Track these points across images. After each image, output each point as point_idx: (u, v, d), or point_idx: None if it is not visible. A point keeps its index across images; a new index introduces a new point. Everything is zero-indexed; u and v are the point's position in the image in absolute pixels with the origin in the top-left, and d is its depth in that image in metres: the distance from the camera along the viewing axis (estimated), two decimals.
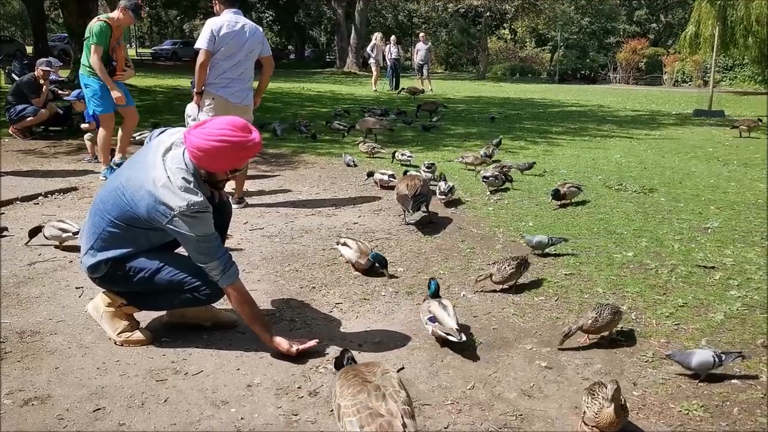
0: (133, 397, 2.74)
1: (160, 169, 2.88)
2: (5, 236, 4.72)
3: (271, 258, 4.49)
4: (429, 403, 2.78)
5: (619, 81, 34.21)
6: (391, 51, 22.00)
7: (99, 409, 2.64)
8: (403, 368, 3.06)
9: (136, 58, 45.14)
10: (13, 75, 10.41)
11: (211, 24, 5.42)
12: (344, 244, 4.26)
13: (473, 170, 7.12)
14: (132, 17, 6.49)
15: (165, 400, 2.73)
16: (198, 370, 2.98)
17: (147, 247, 3.03)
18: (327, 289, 3.97)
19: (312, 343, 3.08)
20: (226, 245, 4.35)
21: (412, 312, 3.66)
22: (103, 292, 3.20)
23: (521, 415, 2.69)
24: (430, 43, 22.84)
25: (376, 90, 20.48)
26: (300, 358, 3.04)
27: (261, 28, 5.65)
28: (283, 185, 6.84)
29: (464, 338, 3.16)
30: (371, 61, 21.78)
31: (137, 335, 3.18)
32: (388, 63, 22.37)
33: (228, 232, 4.96)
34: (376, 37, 22.11)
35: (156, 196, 2.84)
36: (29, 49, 38.30)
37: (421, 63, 22.29)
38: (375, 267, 4.15)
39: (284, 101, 16.32)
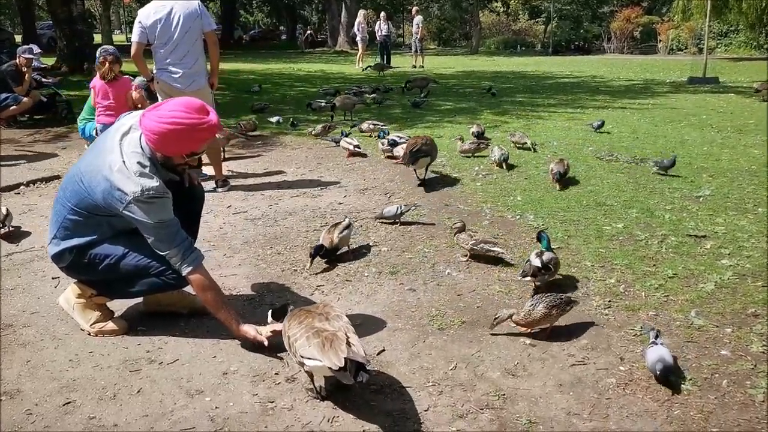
0: (105, 388, 2.66)
1: (116, 153, 2.78)
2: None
3: (253, 241, 4.40)
4: (409, 385, 2.70)
5: (614, 51, 33.85)
6: (381, 28, 21.77)
7: (69, 402, 2.56)
8: (383, 350, 2.98)
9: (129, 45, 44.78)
10: None
11: (139, 16, 5.41)
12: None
13: (469, 157, 6.89)
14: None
15: (138, 391, 2.65)
16: (173, 359, 2.90)
17: (110, 233, 2.93)
18: (309, 271, 3.88)
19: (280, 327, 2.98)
20: (206, 229, 4.30)
21: (395, 292, 3.57)
22: (74, 283, 3.12)
23: (504, 394, 2.62)
24: (420, 17, 22.57)
25: (363, 68, 20.23)
26: (268, 348, 2.90)
27: (198, 3, 5.39)
28: (268, 167, 6.73)
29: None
30: (358, 38, 21.57)
31: (110, 325, 3.09)
32: (378, 40, 22.15)
33: (212, 216, 4.92)
34: (361, 14, 21.88)
35: (111, 181, 2.75)
36: (18, 38, 37.94)
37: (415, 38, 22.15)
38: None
39: (274, 82, 16.14)
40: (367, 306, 3.42)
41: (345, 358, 2.35)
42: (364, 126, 8.44)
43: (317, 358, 2.40)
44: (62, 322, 3.21)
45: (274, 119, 9.30)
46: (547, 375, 2.77)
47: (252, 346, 2.93)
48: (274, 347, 2.87)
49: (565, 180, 5.67)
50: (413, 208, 4.83)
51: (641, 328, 3.09)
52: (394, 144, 6.61)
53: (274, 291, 3.62)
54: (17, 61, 9.08)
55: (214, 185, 5.76)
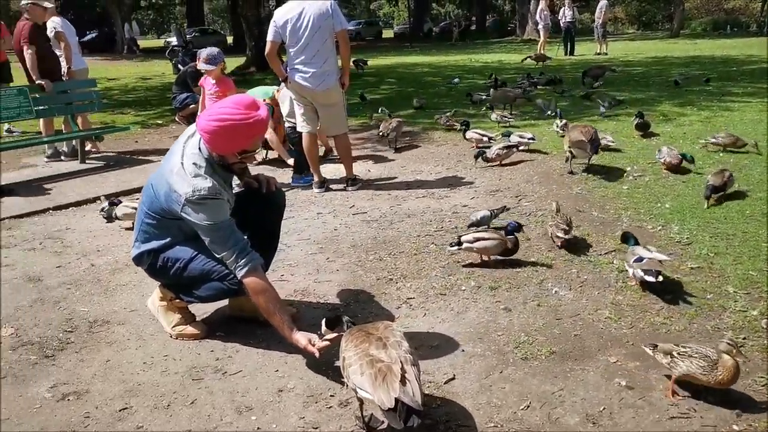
0: (163, 396, 2.66)
1: (178, 156, 2.80)
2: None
3: (360, 245, 4.27)
4: (468, 424, 2.40)
5: None
6: (566, 14, 20.71)
7: (126, 408, 2.59)
8: (453, 378, 2.70)
9: None
10: (179, 66, 11.12)
11: (274, 16, 5.44)
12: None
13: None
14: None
15: (192, 402, 2.62)
16: (237, 370, 2.85)
17: (182, 237, 2.94)
18: (404, 281, 3.67)
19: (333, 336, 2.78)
20: (321, 230, 4.26)
21: (487, 311, 3.25)
22: (158, 287, 3.18)
23: None
24: (605, 1, 21.12)
25: (522, 59, 19.29)
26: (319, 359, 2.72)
27: (331, 3, 5.28)
28: (405, 165, 6.58)
29: (660, 279, 3.22)
30: (540, 26, 20.70)
31: (190, 329, 3.12)
32: (562, 27, 21.12)
33: (331, 216, 4.88)
34: (542, 0, 20.96)
35: (170, 183, 2.76)
36: (230, 40, 41.51)
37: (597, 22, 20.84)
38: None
39: (445, 75, 15.95)
40: (451, 325, 3.14)
41: (396, 398, 2.12)
42: (493, 116, 8.27)
43: (368, 391, 2.20)
44: (153, 323, 3.29)
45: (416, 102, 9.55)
46: (637, 427, 2.33)
47: (312, 359, 2.79)
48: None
49: (722, 196, 4.72)
50: (504, 211, 4.47)
51: None
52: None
53: (361, 301, 3.46)
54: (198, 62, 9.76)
55: (344, 184, 5.73)
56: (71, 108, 7.45)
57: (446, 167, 6.36)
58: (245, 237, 2.83)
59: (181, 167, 2.76)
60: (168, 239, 2.94)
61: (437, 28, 51.49)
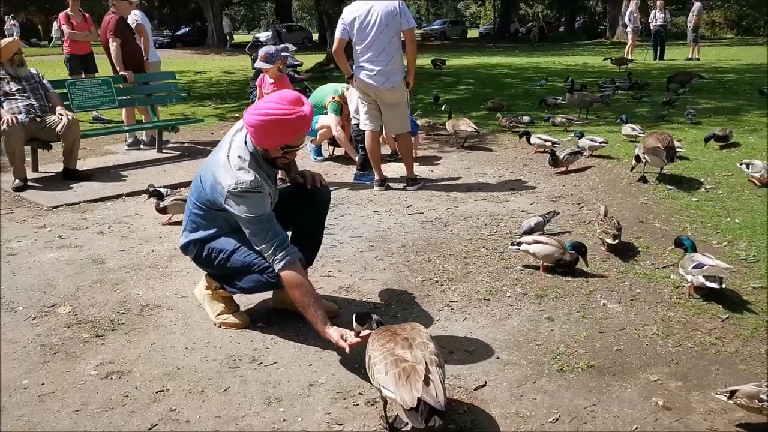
0: (199, 382, 2.74)
1: (224, 149, 2.89)
2: None
3: (411, 245, 4.26)
4: None
5: None
6: (657, 16, 19.96)
7: (162, 390, 2.68)
8: (484, 385, 2.66)
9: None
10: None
11: (343, 13, 5.48)
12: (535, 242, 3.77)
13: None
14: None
15: (225, 390, 2.68)
16: (273, 361, 2.90)
17: (227, 229, 3.01)
18: (450, 284, 3.64)
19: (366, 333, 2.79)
20: (375, 228, 4.30)
21: (530, 319, 3.19)
22: (204, 276, 3.28)
23: None
24: (699, 4, 20.20)
25: (603, 59, 18.66)
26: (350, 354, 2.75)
27: (399, 2, 5.26)
28: (470, 166, 6.51)
29: (723, 286, 3.20)
30: (628, 28, 20.04)
31: (232, 318, 3.20)
32: (652, 30, 20.38)
33: (387, 215, 4.90)
34: (633, 2, 20.27)
35: (216, 176, 2.84)
36: (315, 36, 42.26)
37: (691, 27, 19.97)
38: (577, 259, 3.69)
39: (524, 77, 15.70)
40: (490, 331, 3.09)
41: (418, 398, 2.13)
42: (557, 120, 8.17)
43: (391, 390, 2.21)
44: (200, 310, 3.39)
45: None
46: None
47: (345, 355, 2.81)
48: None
49: None
50: (555, 216, 4.40)
51: None
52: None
53: (404, 302, 3.45)
54: None
55: (405, 183, 5.73)
56: (151, 99, 7.78)
57: (510, 171, 6.26)
58: (285, 232, 2.88)
59: (226, 160, 2.84)
60: (214, 230, 3.03)
61: (523, 29, 50.65)
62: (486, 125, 8.72)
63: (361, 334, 2.65)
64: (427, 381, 2.18)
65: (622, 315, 3.20)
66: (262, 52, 5.71)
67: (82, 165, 6.71)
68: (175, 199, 4.82)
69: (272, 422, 2.47)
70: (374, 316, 2.60)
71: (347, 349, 2.67)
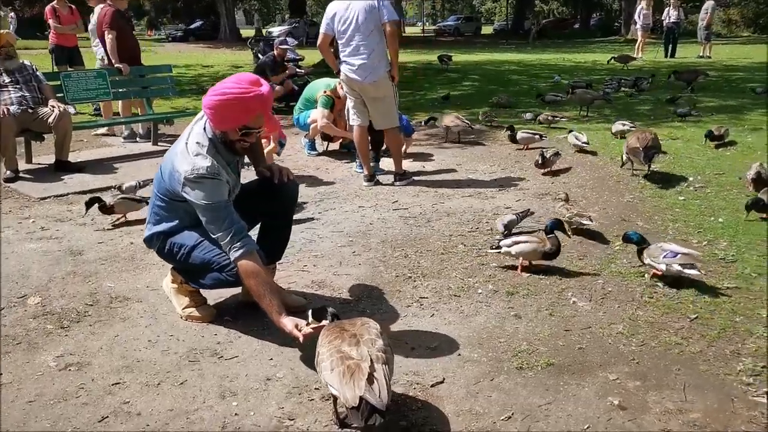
0: (157, 375, 2.73)
1: (184, 137, 2.88)
2: None
3: (390, 241, 4.23)
4: (442, 430, 2.34)
5: None
6: (670, 14, 19.75)
7: (119, 383, 2.67)
8: (442, 382, 2.63)
9: (419, 35, 47.17)
10: (259, 55, 11.41)
11: (326, 9, 5.49)
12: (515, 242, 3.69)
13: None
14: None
15: (181, 383, 2.67)
16: (233, 355, 2.88)
17: (189, 221, 2.98)
18: (422, 280, 3.61)
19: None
20: (357, 223, 4.35)
21: (497, 316, 3.16)
22: (170, 269, 3.26)
23: None
24: (712, 2, 19.95)
25: (641, 58, 18.51)
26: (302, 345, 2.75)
27: None
28: (462, 162, 6.47)
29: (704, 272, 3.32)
30: (638, 26, 19.86)
31: (197, 312, 3.18)
32: (665, 27, 20.18)
33: (371, 210, 4.88)
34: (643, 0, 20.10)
35: (174, 163, 2.83)
36: None
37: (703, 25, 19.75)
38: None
39: (531, 74, 15.59)
40: (456, 328, 3.06)
41: (360, 396, 2.11)
42: (542, 117, 8.10)
43: (335, 387, 2.21)
44: (168, 303, 3.35)
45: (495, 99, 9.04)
46: None
47: (301, 349, 2.80)
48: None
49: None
50: (527, 216, 4.33)
51: None
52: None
53: (374, 297, 3.43)
54: (275, 52, 9.99)
55: (393, 178, 5.70)
56: (147, 92, 7.80)
57: (502, 167, 6.21)
58: (243, 222, 2.85)
59: (185, 147, 2.83)
60: (176, 222, 3.01)
61: (535, 26, 50.34)
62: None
63: (313, 325, 2.64)
64: (371, 379, 2.16)
65: (590, 313, 3.16)
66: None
67: (77, 157, 6.76)
68: (122, 198, 4.68)
69: (223, 416, 2.46)
70: (330, 309, 2.59)
71: (301, 339, 2.65)
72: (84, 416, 2.46)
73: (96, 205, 4.58)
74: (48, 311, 3.30)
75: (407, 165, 6.09)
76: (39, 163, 6.55)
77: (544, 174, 5.81)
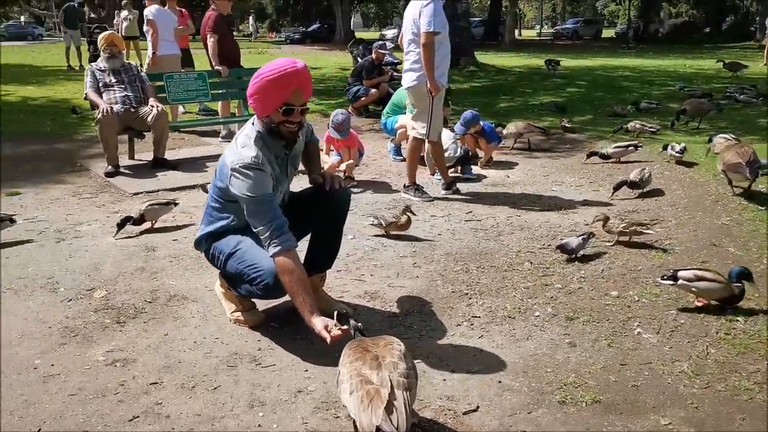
0: (194, 377, 2.76)
1: (239, 132, 2.95)
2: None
3: (455, 254, 4.10)
4: None
5: None
6: None
7: (157, 382, 2.72)
8: (476, 410, 2.49)
9: (535, 38, 46.10)
10: (358, 58, 11.48)
11: None
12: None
13: None
14: None
15: (215, 388, 2.68)
16: (271, 363, 2.87)
17: (239, 223, 2.99)
18: (478, 298, 3.46)
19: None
20: (426, 233, 4.47)
21: (549, 343, 2.96)
22: (219, 274, 3.28)
23: None
24: None
25: (746, 66, 17.07)
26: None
27: (423, 3, 4.94)
28: (549, 174, 6.20)
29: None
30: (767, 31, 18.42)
31: (245, 316, 3.20)
32: None
33: (443, 220, 4.75)
34: None
35: (224, 159, 2.89)
36: None
37: None
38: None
39: (645, 80, 14.80)
40: (503, 352, 2.90)
41: (377, 426, 2.04)
42: (630, 125, 7.67)
43: (353, 412, 2.15)
44: (222, 305, 3.43)
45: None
46: None
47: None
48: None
49: None
50: (592, 240, 4.07)
51: None
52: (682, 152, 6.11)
53: (424, 313, 3.32)
54: (373, 55, 10.03)
55: (442, 189, 5.56)
56: (245, 93, 8.01)
57: (590, 180, 5.90)
58: (284, 218, 2.82)
59: (235, 141, 2.89)
60: (225, 222, 3.03)
61: (663, 29, 47.79)
62: (585, 130, 8.30)
63: (342, 328, 2.59)
64: (389, 407, 2.07)
65: (654, 347, 2.90)
66: (335, 122, 5.71)
67: (174, 155, 7.06)
68: (149, 206, 4.63)
69: (247, 426, 2.44)
70: (353, 322, 2.53)
71: (328, 340, 2.60)
72: (117, 414, 2.51)
73: (128, 223, 4.50)
74: (110, 305, 3.43)
75: (491, 173, 5.91)
76: (140, 159, 6.89)
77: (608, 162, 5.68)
